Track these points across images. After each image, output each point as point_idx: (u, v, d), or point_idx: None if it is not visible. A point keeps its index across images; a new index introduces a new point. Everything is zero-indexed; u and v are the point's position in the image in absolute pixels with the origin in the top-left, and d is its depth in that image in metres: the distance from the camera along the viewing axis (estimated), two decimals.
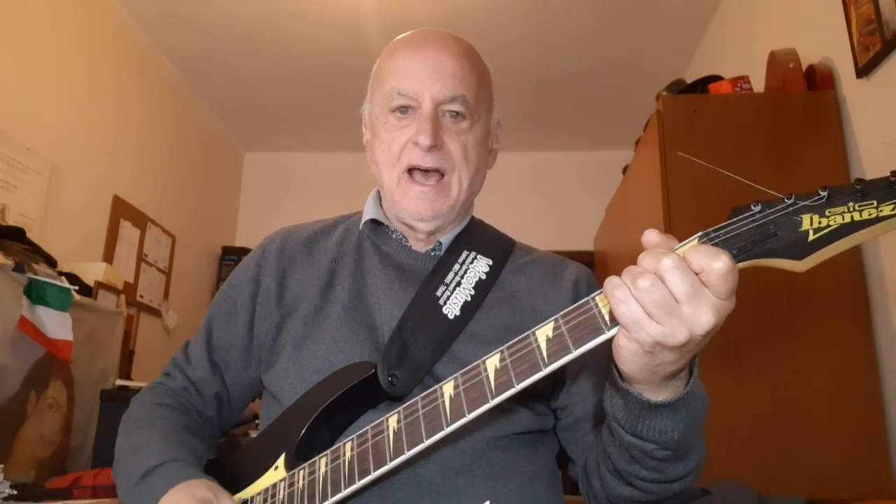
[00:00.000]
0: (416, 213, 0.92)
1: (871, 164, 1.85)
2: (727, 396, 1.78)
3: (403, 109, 0.92)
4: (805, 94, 2.02)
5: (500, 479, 0.83)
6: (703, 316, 0.60)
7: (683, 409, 0.69)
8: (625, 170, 2.79)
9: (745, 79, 2.14)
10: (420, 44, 0.95)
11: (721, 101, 2.10)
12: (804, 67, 2.07)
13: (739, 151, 1.96)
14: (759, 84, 2.19)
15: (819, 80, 2.04)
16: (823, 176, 1.91)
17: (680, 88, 2.29)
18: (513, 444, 0.86)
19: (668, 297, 0.60)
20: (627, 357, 0.64)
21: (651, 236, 0.64)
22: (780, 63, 2.07)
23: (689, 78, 2.55)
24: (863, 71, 1.86)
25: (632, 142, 2.77)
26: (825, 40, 2.08)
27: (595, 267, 3.48)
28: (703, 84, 2.23)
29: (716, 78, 2.23)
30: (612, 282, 0.63)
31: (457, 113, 0.92)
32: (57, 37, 2.86)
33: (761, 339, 1.81)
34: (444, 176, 0.93)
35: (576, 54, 3.63)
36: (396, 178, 0.93)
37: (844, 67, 1.98)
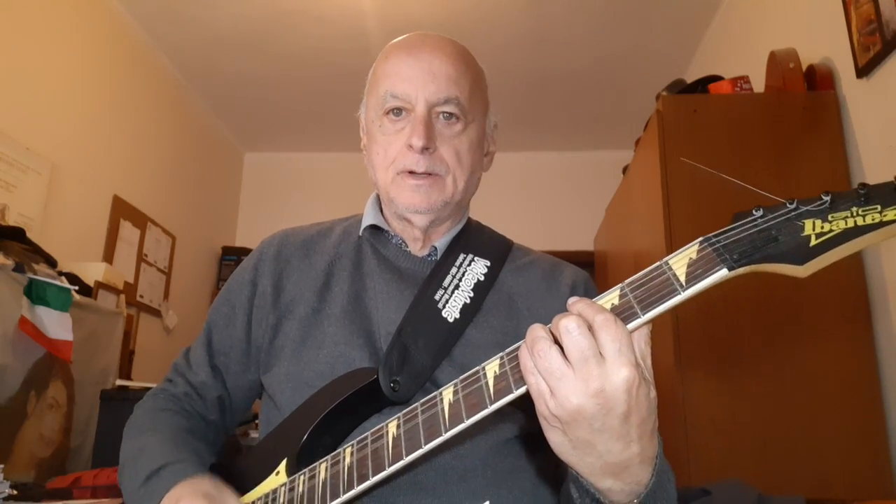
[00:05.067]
0: (412, 206, 0.92)
1: (871, 164, 1.85)
2: (727, 396, 1.78)
3: (397, 111, 0.93)
4: (805, 94, 2.02)
5: (503, 484, 0.82)
6: (592, 383, 0.58)
7: None
8: (625, 170, 2.79)
9: (745, 79, 2.14)
10: (414, 46, 0.95)
11: (721, 101, 2.10)
12: (804, 67, 2.07)
13: (739, 151, 1.96)
14: (759, 84, 2.19)
15: (819, 80, 2.04)
16: (823, 176, 1.91)
17: (680, 88, 2.28)
18: (514, 449, 0.86)
19: (557, 363, 0.60)
20: (545, 433, 0.64)
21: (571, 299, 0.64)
22: (780, 63, 2.07)
23: (689, 78, 2.55)
24: (863, 71, 1.86)
25: (632, 142, 2.77)
26: (825, 40, 2.08)
27: (595, 267, 3.48)
28: (703, 84, 2.23)
29: (716, 78, 2.23)
30: (522, 352, 0.63)
31: (450, 114, 0.92)
32: (57, 37, 2.85)
33: (762, 340, 1.81)
34: (438, 176, 0.93)
35: (576, 54, 3.63)
36: (391, 178, 0.94)
37: (844, 67, 1.98)
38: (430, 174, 0.92)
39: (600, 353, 0.59)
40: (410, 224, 0.96)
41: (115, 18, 3.30)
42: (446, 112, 0.92)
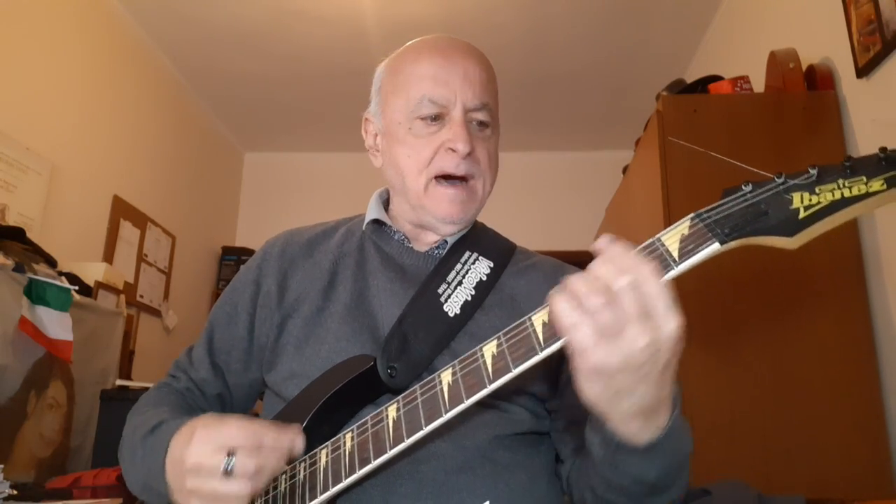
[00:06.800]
0: (448, 217, 0.93)
1: None
2: (727, 396, 1.78)
3: (434, 116, 0.92)
4: (805, 94, 2.02)
5: (502, 477, 0.83)
6: (640, 339, 0.58)
7: (660, 454, 0.68)
8: (625, 170, 2.79)
9: (745, 79, 2.14)
10: (446, 50, 0.95)
11: (721, 101, 2.10)
12: (804, 67, 2.07)
13: (739, 151, 1.96)
14: (759, 84, 2.18)
15: (819, 80, 2.04)
16: None
17: (680, 88, 2.28)
18: (514, 444, 0.87)
19: (618, 319, 0.58)
20: (583, 385, 0.62)
21: (602, 243, 0.63)
22: (780, 63, 2.07)
23: (689, 78, 2.55)
24: (863, 71, 1.86)
25: (632, 142, 2.76)
26: (825, 40, 2.08)
27: None
28: (703, 84, 2.23)
29: (716, 78, 2.23)
30: (559, 304, 0.61)
31: (482, 122, 0.94)
32: (57, 37, 2.85)
33: (760, 339, 1.81)
34: (468, 181, 0.94)
35: (576, 54, 3.63)
36: (424, 184, 0.93)
37: (844, 67, 1.98)
38: (465, 178, 0.93)
39: (649, 307, 0.59)
40: (434, 232, 0.97)
41: (115, 18, 3.30)
42: (479, 120, 0.94)
